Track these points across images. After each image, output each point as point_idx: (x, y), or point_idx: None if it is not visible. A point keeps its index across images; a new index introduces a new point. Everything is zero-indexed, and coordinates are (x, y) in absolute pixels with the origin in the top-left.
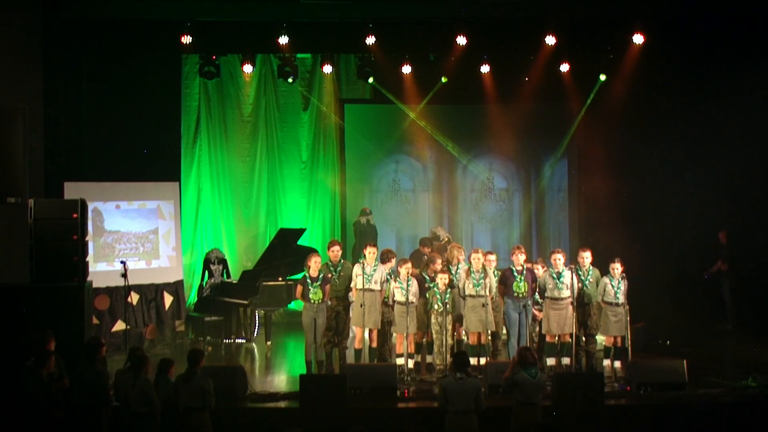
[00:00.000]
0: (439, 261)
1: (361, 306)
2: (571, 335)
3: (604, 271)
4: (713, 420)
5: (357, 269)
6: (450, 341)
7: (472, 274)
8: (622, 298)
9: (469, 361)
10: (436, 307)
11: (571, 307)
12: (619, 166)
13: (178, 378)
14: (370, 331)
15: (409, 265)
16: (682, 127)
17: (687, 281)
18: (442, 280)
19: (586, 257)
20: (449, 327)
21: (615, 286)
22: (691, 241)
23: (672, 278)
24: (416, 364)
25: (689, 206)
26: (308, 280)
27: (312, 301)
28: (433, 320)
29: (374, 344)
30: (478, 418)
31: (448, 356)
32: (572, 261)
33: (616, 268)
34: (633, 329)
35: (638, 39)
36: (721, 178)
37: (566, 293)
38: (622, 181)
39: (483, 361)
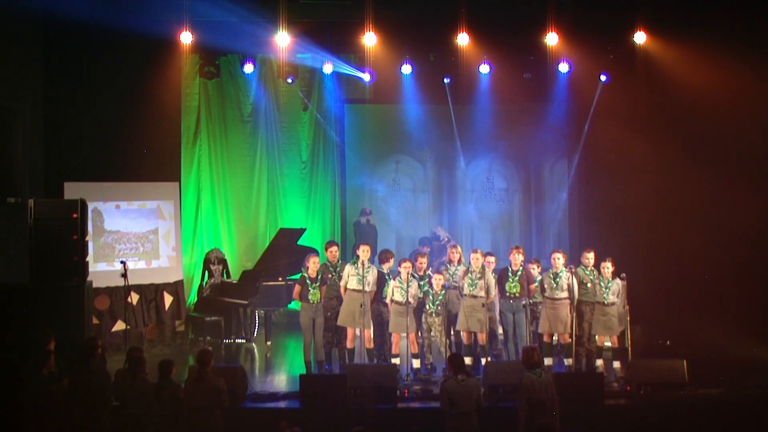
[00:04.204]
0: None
1: (361, 306)
2: (570, 335)
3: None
4: (713, 420)
5: (350, 269)
6: (446, 340)
7: (470, 274)
8: (611, 298)
9: (464, 362)
10: (427, 307)
11: (568, 308)
12: (620, 165)
13: (188, 379)
14: (363, 332)
15: (409, 264)
16: (684, 126)
17: (687, 281)
18: (437, 281)
19: (590, 258)
20: (440, 328)
21: (604, 285)
22: (692, 241)
23: (672, 278)
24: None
25: (690, 206)
26: (307, 281)
27: (311, 302)
28: (423, 320)
29: (369, 345)
30: (478, 416)
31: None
32: (572, 261)
33: (607, 267)
34: (633, 329)
35: (640, 38)
36: (723, 178)
37: (563, 294)
38: (623, 180)
39: (483, 361)
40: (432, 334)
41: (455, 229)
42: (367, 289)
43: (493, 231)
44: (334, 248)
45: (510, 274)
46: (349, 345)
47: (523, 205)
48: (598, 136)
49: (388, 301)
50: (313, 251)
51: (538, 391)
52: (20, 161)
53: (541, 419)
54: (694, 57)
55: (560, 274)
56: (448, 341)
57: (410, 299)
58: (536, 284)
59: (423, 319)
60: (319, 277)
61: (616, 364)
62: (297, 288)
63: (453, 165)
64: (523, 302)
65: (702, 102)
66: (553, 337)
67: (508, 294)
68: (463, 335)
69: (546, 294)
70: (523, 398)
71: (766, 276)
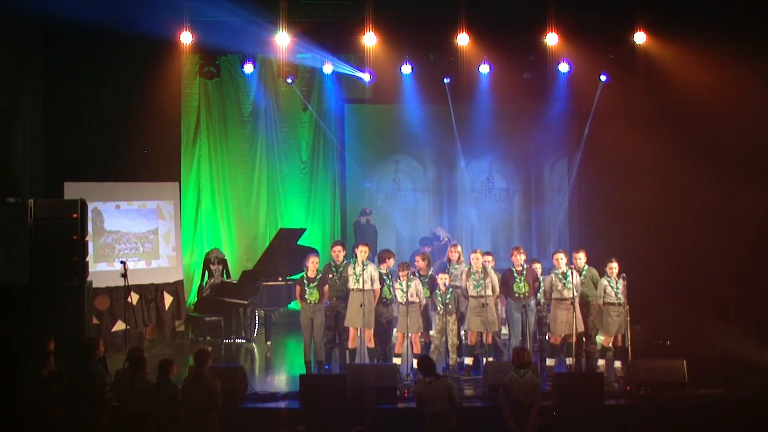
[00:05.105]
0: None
1: (361, 306)
2: (577, 335)
3: (603, 272)
4: (713, 420)
5: (350, 270)
6: (455, 341)
7: (473, 275)
8: (621, 298)
9: (434, 365)
10: (439, 308)
11: (572, 307)
12: (620, 165)
13: (186, 378)
14: (364, 331)
15: (408, 272)
16: (684, 126)
17: (688, 281)
18: (442, 280)
19: (580, 258)
20: (453, 327)
21: (614, 286)
22: (692, 240)
23: (672, 278)
24: None
25: (690, 206)
26: (305, 281)
27: (308, 302)
28: (437, 320)
29: (370, 344)
30: (457, 415)
31: (455, 356)
32: (572, 262)
33: (613, 267)
34: (633, 329)
35: (640, 38)
36: (723, 178)
37: (570, 294)
38: (623, 180)
39: (485, 360)
40: (439, 334)
41: (455, 229)
42: (367, 287)
43: (493, 231)
44: (338, 248)
45: (516, 275)
46: (351, 345)
47: (523, 205)
48: (598, 136)
49: (398, 303)
50: (313, 251)
51: (516, 391)
52: (20, 161)
53: (521, 420)
54: (694, 57)
55: (567, 273)
56: (458, 341)
57: (417, 298)
58: (540, 285)
59: (436, 320)
60: (318, 277)
61: (617, 364)
62: (298, 288)
63: (453, 165)
64: (532, 301)
65: (702, 102)
66: (560, 338)
67: (517, 295)
68: (470, 336)
69: (555, 295)
70: (503, 396)
71: (766, 275)
